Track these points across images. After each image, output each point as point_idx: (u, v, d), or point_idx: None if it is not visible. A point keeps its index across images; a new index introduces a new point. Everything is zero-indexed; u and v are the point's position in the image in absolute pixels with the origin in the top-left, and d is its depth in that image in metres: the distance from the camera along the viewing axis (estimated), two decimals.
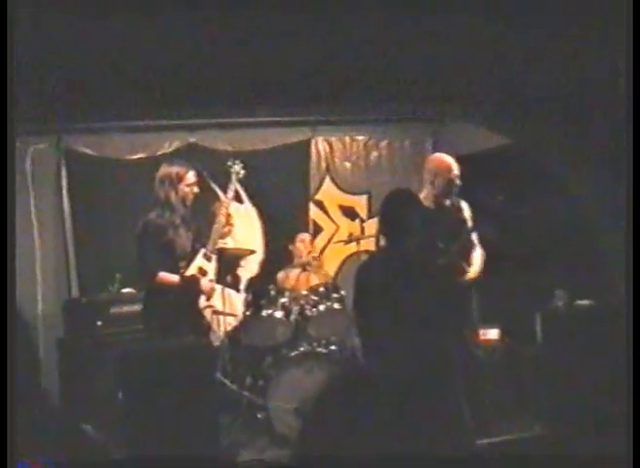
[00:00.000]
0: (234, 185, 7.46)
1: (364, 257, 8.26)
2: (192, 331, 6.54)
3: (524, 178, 8.73)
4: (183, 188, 6.60)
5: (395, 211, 5.58)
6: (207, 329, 6.86)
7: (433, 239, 5.96)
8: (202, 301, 6.72)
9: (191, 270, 6.67)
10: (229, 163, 7.52)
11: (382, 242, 5.67)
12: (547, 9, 4.49)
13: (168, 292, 6.51)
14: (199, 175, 6.83)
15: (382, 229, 5.68)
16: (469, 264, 6.58)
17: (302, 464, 1.63)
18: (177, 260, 6.60)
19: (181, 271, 6.61)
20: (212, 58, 4.42)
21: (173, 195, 6.59)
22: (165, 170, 6.67)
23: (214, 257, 6.81)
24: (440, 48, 4.69)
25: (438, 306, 5.35)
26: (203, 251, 6.76)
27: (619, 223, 5.71)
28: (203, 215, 7.31)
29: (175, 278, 6.53)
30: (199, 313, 6.71)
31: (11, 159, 2.08)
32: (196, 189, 6.68)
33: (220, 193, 9.12)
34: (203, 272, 6.72)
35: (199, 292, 6.69)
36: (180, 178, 6.59)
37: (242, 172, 7.53)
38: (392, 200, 5.72)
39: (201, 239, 6.86)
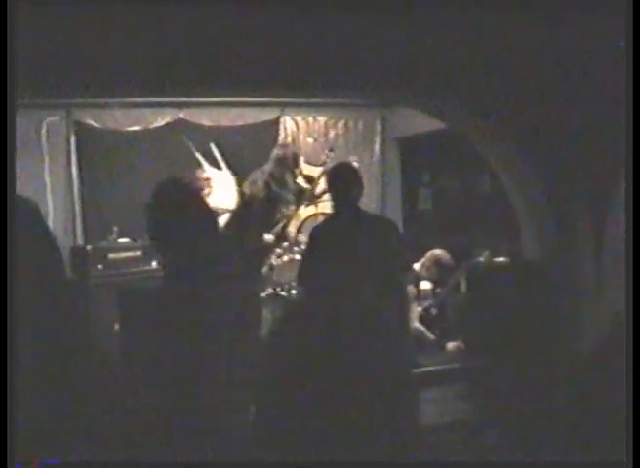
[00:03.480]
0: None
1: (320, 218, 8.33)
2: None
3: (457, 158, 8.80)
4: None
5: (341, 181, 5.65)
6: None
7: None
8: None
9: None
10: None
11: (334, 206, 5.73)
12: None
13: None
14: None
15: (333, 196, 5.72)
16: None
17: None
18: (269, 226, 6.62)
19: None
20: (198, 45, 4.43)
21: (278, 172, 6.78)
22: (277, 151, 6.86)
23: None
24: (396, 39, 4.71)
25: (378, 256, 5.41)
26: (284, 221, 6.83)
27: (530, 199, 5.78)
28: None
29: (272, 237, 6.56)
30: None
31: (11, 130, 2.06)
32: (299, 169, 6.83)
33: (203, 161, 9.13)
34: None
35: None
36: (286, 158, 6.95)
37: None
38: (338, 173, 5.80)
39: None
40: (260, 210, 6.52)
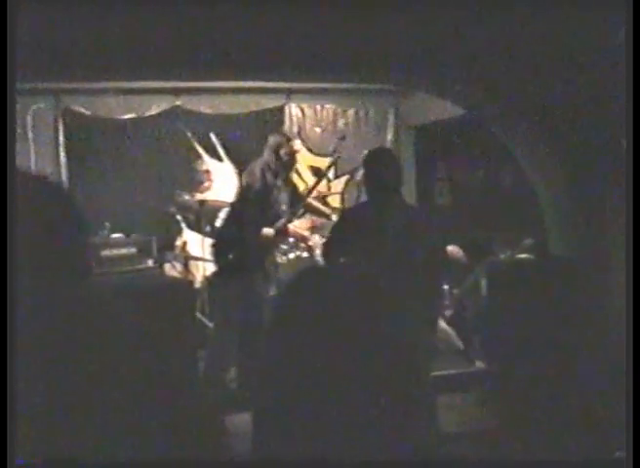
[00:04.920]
0: None
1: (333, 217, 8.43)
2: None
3: (476, 147, 8.80)
4: (284, 156, 6.78)
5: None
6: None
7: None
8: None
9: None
10: None
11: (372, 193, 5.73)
12: None
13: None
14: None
15: (371, 182, 5.72)
16: None
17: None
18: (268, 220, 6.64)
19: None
20: (197, 26, 4.41)
21: (272, 161, 6.80)
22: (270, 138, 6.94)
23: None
24: (406, 24, 4.69)
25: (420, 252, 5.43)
26: (287, 215, 6.84)
27: (555, 192, 5.77)
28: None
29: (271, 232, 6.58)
30: None
31: (11, 118, 2.07)
32: (295, 158, 6.84)
33: (202, 152, 9.14)
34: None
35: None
36: (280, 146, 6.80)
37: None
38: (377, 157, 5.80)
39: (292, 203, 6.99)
40: (256, 203, 6.53)
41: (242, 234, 6.49)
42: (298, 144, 6.75)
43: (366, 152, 6.11)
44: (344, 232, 5.71)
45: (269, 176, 6.75)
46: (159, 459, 1.57)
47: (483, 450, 2.02)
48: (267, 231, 6.45)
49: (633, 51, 3.03)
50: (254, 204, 6.53)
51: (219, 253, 6.56)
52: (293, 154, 6.80)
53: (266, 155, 6.85)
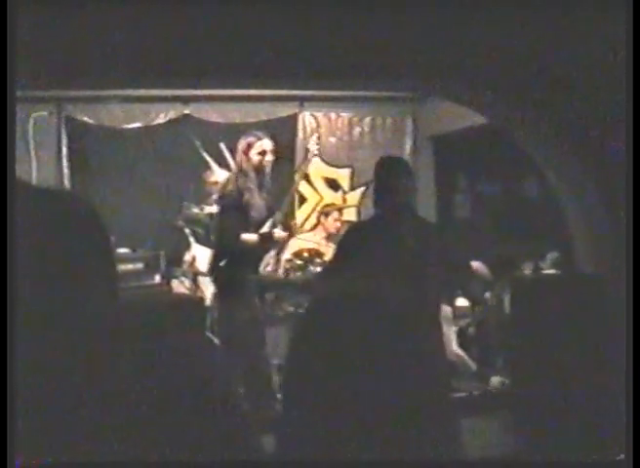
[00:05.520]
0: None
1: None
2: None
3: (499, 158, 8.76)
4: (254, 156, 6.64)
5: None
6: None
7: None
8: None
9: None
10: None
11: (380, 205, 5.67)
12: None
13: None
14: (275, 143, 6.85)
15: (380, 193, 5.66)
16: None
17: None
18: (249, 225, 6.61)
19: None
20: (207, 31, 4.39)
21: (244, 163, 6.64)
22: (241, 140, 6.76)
23: (280, 226, 6.86)
24: (421, 30, 4.66)
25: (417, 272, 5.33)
26: (271, 220, 6.76)
27: (584, 203, 5.73)
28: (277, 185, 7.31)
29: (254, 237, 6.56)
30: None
31: (11, 127, 2.05)
32: (269, 157, 6.70)
33: (212, 162, 9.13)
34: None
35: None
36: (250, 147, 6.65)
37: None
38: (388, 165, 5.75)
39: (273, 207, 6.89)
40: (232, 210, 6.54)
41: (224, 243, 6.52)
42: (268, 144, 6.60)
43: (376, 161, 6.04)
44: (349, 251, 5.65)
45: (241, 180, 6.66)
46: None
47: None
48: (248, 237, 6.44)
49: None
50: (230, 211, 6.53)
51: (210, 265, 6.65)
52: (264, 154, 6.68)
53: (237, 158, 6.76)
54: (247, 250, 6.52)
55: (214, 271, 6.71)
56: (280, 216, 6.91)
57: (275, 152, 6.76)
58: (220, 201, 6.79)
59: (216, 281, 6.76)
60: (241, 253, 6.49)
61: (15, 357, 1.52)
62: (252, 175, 6.63)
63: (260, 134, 6.83)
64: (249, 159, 6.63)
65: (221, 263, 6.49)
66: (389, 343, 1.56)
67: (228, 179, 6.80)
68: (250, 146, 6.65)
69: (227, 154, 8.95)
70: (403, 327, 1.61)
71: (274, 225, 6.75)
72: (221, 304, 6.76)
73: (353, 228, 6.06)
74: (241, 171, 6.67)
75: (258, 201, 6.65)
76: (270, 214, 6.76)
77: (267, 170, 6.71)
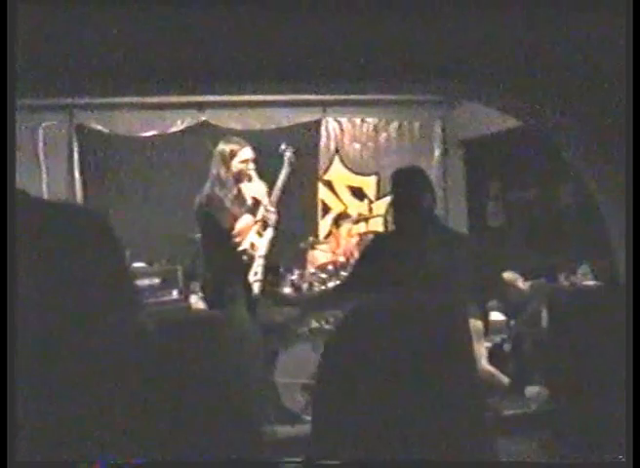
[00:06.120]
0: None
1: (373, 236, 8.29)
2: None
3: (532, 161, 8.72)
4: (236, 165, 6.58)
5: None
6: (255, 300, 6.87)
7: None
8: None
9: (245, 245, 6.64)
10: (282, 147, 7.35)
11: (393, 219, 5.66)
12: None
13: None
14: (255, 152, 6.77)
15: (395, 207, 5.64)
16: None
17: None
18: (231, 235, 6.58)
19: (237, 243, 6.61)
20: (224, 34, 4.37)
21: (223, 171, 6.57)
22: (219, 146, 6.68)
23: (265, 234, 6.78)
24: (451, 30, 4.63)
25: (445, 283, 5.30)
26: (255, 227, 6.71)
27: (623, 209, 5.67)
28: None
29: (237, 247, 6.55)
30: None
31: (11, 135, 2.03)
32: (251, 165, 6.63)
33: None
34: (254, 248, 6.70)
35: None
36: (232, 155, 6.58)
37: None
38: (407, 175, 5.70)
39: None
40: (211, 222, 6.53)
41: (208, 255, 6.53)
42: (249, 152, 6.52)
43: (392, 172, 5.97)
44: (366, 265, 5.63)
45: (218, 191, 6.57)
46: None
47: None
48: (233, 249, 6.43)
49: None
50: (209, 224, 6.51)
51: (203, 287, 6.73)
52: (246, 163, 6.60)
53: (213, 168, 6.64)
54: (232, 260, 6.50)
55: (202, 286, 6.74)
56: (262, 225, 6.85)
57: (255, 161, 6.70)
58: (200, 214, 6.70)
59: (204, 294, 6.80)
60: (227, 264, 6.48)
61: (22, 378, 1.51)
62: (231, 185, 6.56)
63: (239, 140, 6.78)
64: (229, 169, 6.54)
65: (207, 277, 6.52)
66: (416, 361, 1.58)
67: (201, 192, 6.69)
68: (232, 155, 6.57)
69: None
70: (428, 344, 1.63)
71: (259, 234, 6.73)
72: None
73: (372, 243, 6.01)
74: (219, 181, 6.58)
75: (238, 212, 6.59)
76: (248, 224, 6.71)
77: (253, 179, 6.66)
